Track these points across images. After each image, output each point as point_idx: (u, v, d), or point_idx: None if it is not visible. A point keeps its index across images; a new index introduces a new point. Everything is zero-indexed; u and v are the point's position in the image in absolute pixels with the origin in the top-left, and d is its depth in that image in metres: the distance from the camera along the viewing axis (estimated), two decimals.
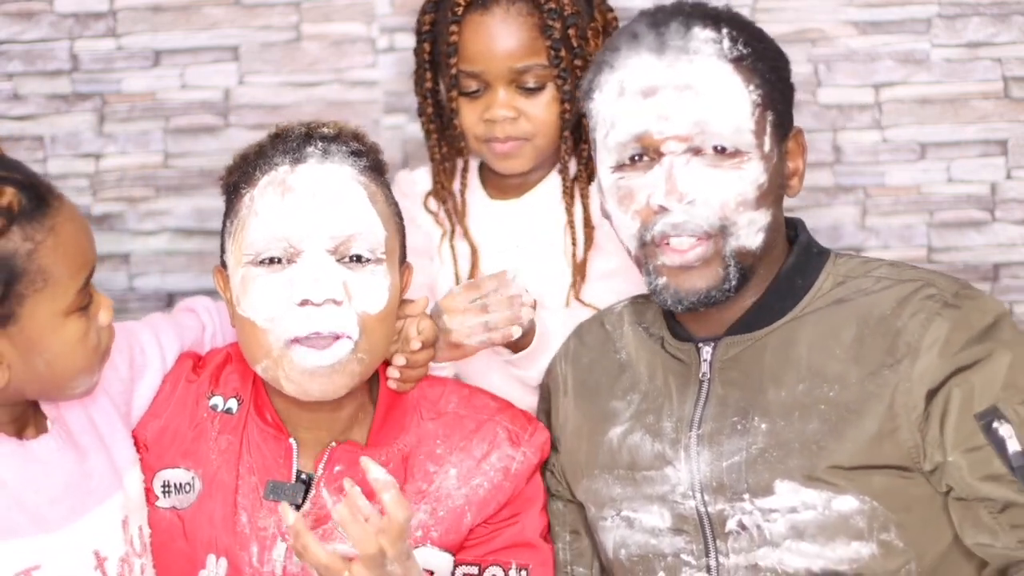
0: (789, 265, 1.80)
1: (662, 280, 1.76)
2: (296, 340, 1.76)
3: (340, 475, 1.82)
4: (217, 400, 1.89)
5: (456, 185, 2.36)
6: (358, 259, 1.76)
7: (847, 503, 1.68)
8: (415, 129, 2.70)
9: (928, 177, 2.73)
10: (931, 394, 1.66)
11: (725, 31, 1.76)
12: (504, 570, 1.86)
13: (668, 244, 1.75)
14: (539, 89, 2.23)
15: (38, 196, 1.68)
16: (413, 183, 2.38)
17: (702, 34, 1.75)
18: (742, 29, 1.78)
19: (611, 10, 2.34)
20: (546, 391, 2.00)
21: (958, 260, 2.75)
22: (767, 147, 1.76)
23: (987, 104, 2.71)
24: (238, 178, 1.84)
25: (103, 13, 2.79)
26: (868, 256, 1.88)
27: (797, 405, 1.71)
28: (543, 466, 1.95)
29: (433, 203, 2.36)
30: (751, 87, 1.75)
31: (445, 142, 2.34)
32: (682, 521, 1.77)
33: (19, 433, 1.75)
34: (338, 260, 1.75)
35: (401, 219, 1.88)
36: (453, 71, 2.23)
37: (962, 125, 2.72)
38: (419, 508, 1.83)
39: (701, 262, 1.75)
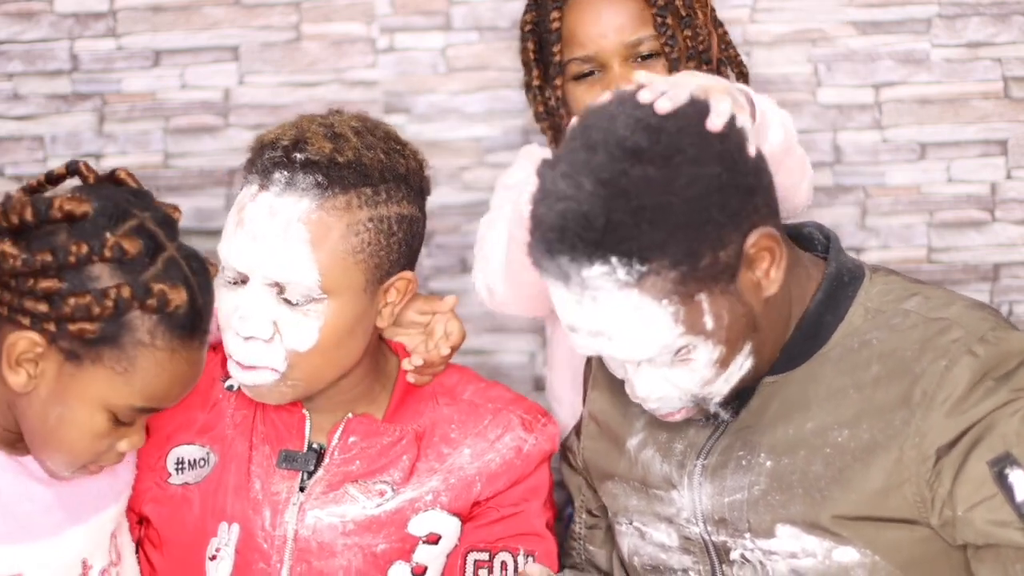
0: (818, 302, 1.72)
1: None
2: (230, 355, 1.87)
3: (354, 446, 1.89)
4: (232, 382, 1.96)
5: None
6: (290, 301, 1.81)
7: (847, 554, 1.66)
8: (415, 129, 2.71)
9: (928, 177, 2.74)
10: (943, 450, 1.62)
11: (614, 260, 1.56)
12: (513, 556, 1.93)
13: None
14: (651, 58, 2.18)
15: (193, 325, 1.67)
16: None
17: (593, 270, 1.57)
18: (632, 242, 1.56)
19: None
20: (585, 373, 2.01)
21: (958, 260, 2.75)
22: (711, 324, 1.62)
23: (987, 104, 2.71)
24: (246, 165, 1.88)
25: (103, 13, 2.79)
26: (908, 279, 1.77)
27: (803, 444, 1.68)
28: (562, 448, 1.98)
29: None
30: (664, 300, 1.58)
31: (562, 136, 2.32)
32: (688, 543, 1.76)
33: (15, 449, 1.75)
34: (277, 294, 1.80)
35: (384, 241, 1.86)
36: (557, 59, 2.20)
37: (962, 125, 2.72)
38: (431, 479, 1.90)
39: (688, 417, 1.74)
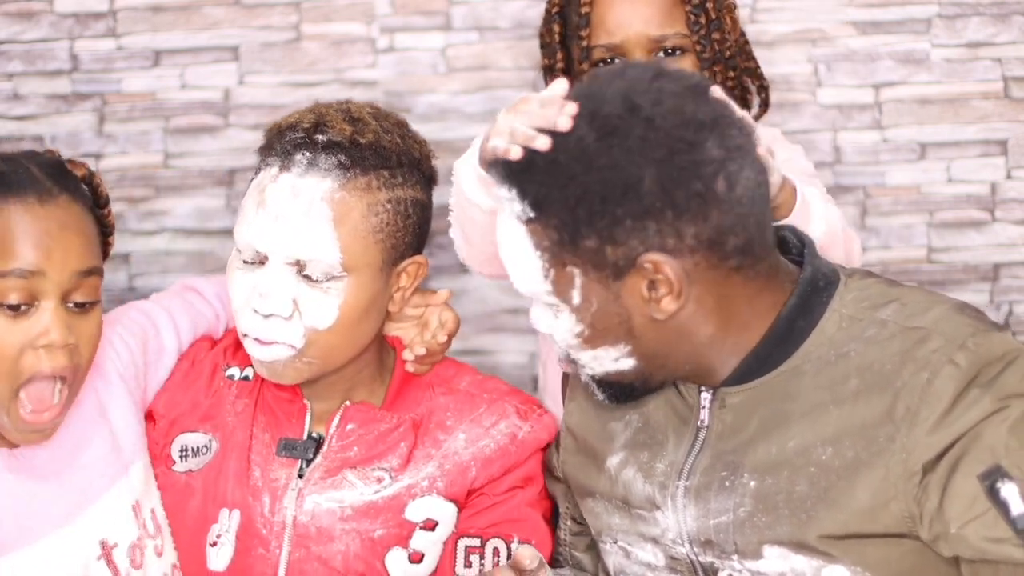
0: (791, 307, 1.66)
1: None
2: (246, 334, 1.89)
3: (352, 432, 1.92)
4: (234, 371, 2.00)
5: None
6: (311, 278, 1.83)
7: (837, 572, 1.62)
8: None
9: (928, 177, 2.74)
10: (929, 465, 1.57)
11: (515, 191, 1.60)
12: (506, 542, 1.93)
13: None
14: (673, 54, 2.20)
15: (14, 181, 1.67)
16: None
17: (501, 190, 1.62)
18: (533, 186, 1.59)
19: None
20: (563, 384, 2.00)
21: (958, 260, 2.75)
22: (577, 299, 1.62)
23: (987, 104, 2.71)
24: (261, 150, 1.91)
25: (103, 13, 2.79)
26: (885, 282, 1.72)
27: (787, 463, 1.64)
28: (543, 464, 1.98)
29: None
30: (539, 252, 1.61)
31: None
32: (675, 563, 1.75)
33: (4, 441, 1.74)
34: (297, 272, 1.82)
35: (400, 222, 1.90)
36: (584, 43, 2.22)
37: (962, 125, 2.72)
38: (427, 465, 1.93)
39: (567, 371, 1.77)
